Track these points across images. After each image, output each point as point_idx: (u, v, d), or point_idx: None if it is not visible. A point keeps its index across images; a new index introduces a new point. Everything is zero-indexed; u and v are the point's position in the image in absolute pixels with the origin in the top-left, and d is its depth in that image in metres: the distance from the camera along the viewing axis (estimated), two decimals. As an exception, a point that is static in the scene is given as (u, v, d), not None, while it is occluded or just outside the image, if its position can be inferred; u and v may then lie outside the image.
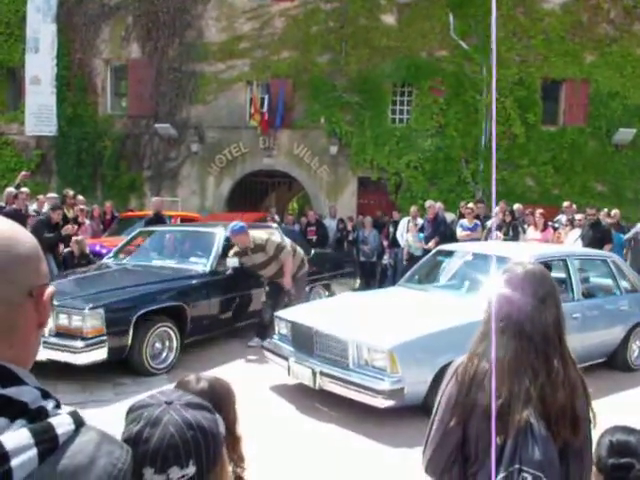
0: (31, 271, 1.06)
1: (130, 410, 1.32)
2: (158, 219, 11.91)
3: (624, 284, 8.25)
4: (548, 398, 1.98)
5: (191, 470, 1.23)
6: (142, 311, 7.15)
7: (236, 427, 2.09)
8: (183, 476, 1.22)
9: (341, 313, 6.84)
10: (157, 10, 18.85)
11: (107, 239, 12.51)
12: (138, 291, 7.43)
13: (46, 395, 1.00)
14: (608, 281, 8.37)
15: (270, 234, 8.67)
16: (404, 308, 6.97)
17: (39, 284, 1.06)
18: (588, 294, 7.88)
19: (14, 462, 0.89)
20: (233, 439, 2.05)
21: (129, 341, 7.06)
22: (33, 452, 0.91)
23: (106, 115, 19.79)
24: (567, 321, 6.16)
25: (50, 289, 1.09)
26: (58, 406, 1.00)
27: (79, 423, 0.99)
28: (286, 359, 6.55)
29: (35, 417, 0.94)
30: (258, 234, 8.54)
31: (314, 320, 6.50)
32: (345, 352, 5.96)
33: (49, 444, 0.93)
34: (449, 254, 8.39)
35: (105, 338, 6.74)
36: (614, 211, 13.67)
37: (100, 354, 6.75)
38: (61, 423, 0.96)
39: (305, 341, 6.46)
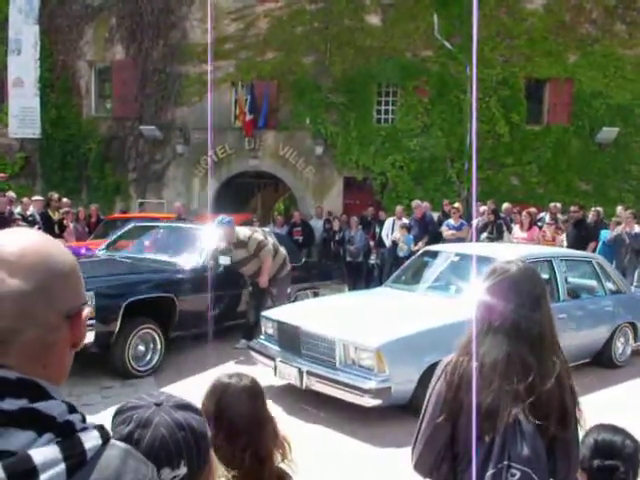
0: (70, 292, 1.04)
1: (119, 412, 1.32)
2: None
3: (608, 285, 8.33)
4: (537, 394, 1.99)
5: (182, 471, 1.24)
6: (132, 299, 7.13)
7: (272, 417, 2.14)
8: (175, 477, 1.23)
9: (328, 313, 6.85)
10: (141, 11, 18.76)
11: (93, 242, 12.45)
12: (129, 279, 7.42)
13: (72, 409, 0.99)
14: (593, 282, 8.44)
15: (254, 231, 8.65)
16: (391, 308, 7.00)
17: (77, 305, 1.05)
18: (573, 295, 7.93)
19: (43, 477, 0.88)
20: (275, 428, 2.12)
21: (117, 328, 7.02)
22: (61, 467, 0.90)
23: (90, 117, 19.68)
24: None
25: (87, 310, 1.08)
26: (84, 420, 1.00)
27: (106, 438, 0.99)
28: (273, 359, 6.54)
29: (62, 431, 0.94)
30: (242, 230, 8.58)
31: (300, 319, 6.51)
32: (332, 351, 5.97)
33: (77, 459, 0.93)
34: (435, 255, 8.43)
35: (93, 322, 6.64)
36: (597, 209, 13.80)
37: (87, 337, 6.64)
38: (89, 438, 0.96)
39: (291, 341, 6.46)
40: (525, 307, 2.06)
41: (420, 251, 9.00)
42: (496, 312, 2.08)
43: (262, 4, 18.61)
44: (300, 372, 6.08)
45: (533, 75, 18.21)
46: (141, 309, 7.43)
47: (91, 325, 6.65)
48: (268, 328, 6.98)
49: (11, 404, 0.92)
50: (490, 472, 1.94)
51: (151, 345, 7.56)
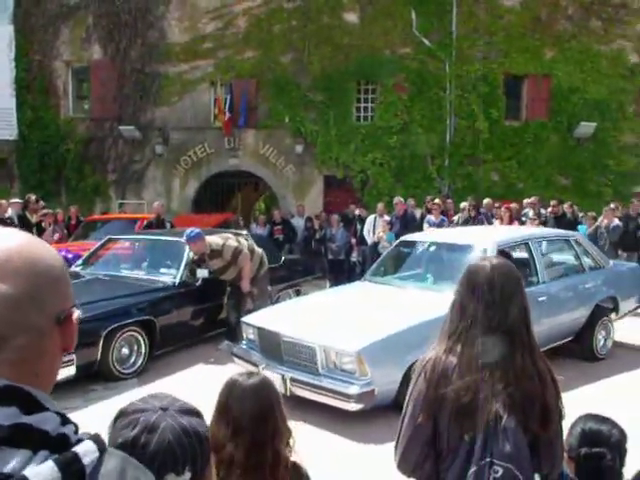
0: (60, 295, 1.01)
1: (122, 414, 1.31)
2: (159, 223, 12.62)
3: (588, 262, 8.38)
4: (517, 390, 1.99)
5: (187, 476, 1.24)
6: (112, 326, 7.06)
7: (284, 416, 2.16)
8: None
9: (307, 316, 6.74)
10: (118, 11, 18.63)
11: (73, 244, 12.35)
12: (108, 305, 7.29)
13: (65, 420, 0.95)
14: (572, 260, 8.48)
15: (226, 239, 8.49)
16: (370, 306, 6.94)
17: (67, 308, 1.02)
18: (553, 275, 7.95)
19: None
20: (286, 426, 2.14)
21: (98, 356, 6.94)
22: None
23: (68, 118, 19.52)
24: (533, 305, 6.29)
25: (77, 313, 1.05)
26: (77, 431, 0.96)
27: (102, 448, 0.96)
28: (256, 366, 6.49)
29: (57, 446, 0.90)
30: (215, 240, 8.34)
31: (280, 325, 6.42)
32: (313, 357, 5.92)
33: (76, 476, 0.89)
34: (413, 245, 8.40)
35: (73, 357, 6.44)
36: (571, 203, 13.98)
37: (67, 372, 6.44)
38: (86, 452, 0.92)
39: (273, 347, 6.40)
40: (498, 304, 2.06)
41: (397, 241, 8.96)
42: (470, 310, 2.08)
43: (240, 3, 18.56)
44: (283, 379, 6.02)
45: (511, 71, 18.33)
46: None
47: (70, 360, 6.41)
48: (249, 334, 6.91)
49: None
50: (473, 469, 1.94)
51: (135, 347, 7.49)
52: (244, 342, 7.07)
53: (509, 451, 1.93)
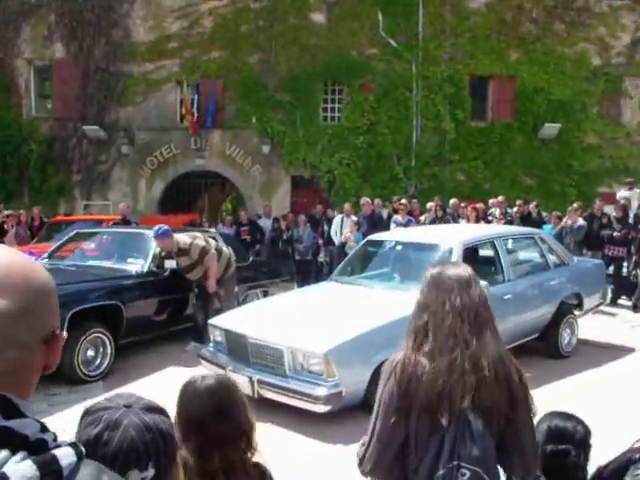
0: (50, 314, 1.04)
1: (87, 413, 1.31)
2: (125, 224, 12.50)
3: (552, 259, 8.47)
4: (483, 384, 1.99)
5: (150, 473, 1.24)
6: (77, 308, 6.91)
7: (249, 419, 2.11)
8: (142, 479, 1.22)
9: (274, 317, 6.69)
10: (81, 8, 18.37)
11: (36, 246, 12.13)
12: (73, 289, 7.18)
13: (44, 428, 0.98)
14: (537, 258, 8.56)
15: (194, 237, 8.46)
16: (336, 306, 6.91)
17: (54, 328, 1.05)
18: (519, 273, 8.01)
19: None
20: (251, 428, 2.09)
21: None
22: None
23: (31, 117, 19.20)
24: (499, 303, 6.31)
25: (63, 335, 1.07)
26: (56, 439, 0.98)
27: (80, 455, 0.98)
28: (223, 368, 6.43)
29: (35, 449, 0.92)
30: (182, 238, 8.31)
31: (247, 328, 6.36)
32: (281, 359, 5.88)
33: (54, 476, 0.91)
34: (379, 244, 8.39)
35: None
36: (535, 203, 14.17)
37: None
38: (64, 455, 0.94)
39: (240, 349, 6.34)
40: (457, 289, 2.10)
41: (363, 241, 8.96)
42: (433, 306, 2.11)
43: (206, 2, 18.46)
44: (251, 381, 5.96)
45: (477, 72, 18.53)
46: (90, 315, 7.26)
47: None
48: (216, 336, 6.84)
49: None
50: (440, 472, 1.93)
51: (101, 349, 7.39)
52: (211, 344, 7.00)
53: (477, 454, 1.92)
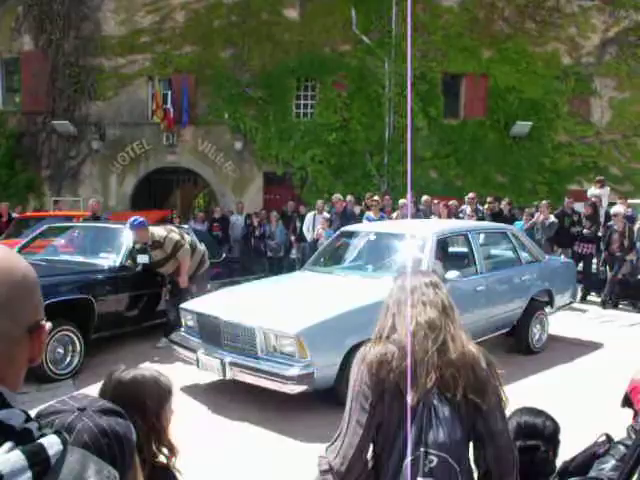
0: (32, 306, 1.05)
1: (39, 416, 1.26)
2: (95, 220, 12.26)
3: (524, 255, 8.54)
4: (449, 366, 2.00)
5: None
6: (47, 301, 6.79)
7: (160, 417, 2.07)
8: None
9: (246, 300, 6.73)
10: (50, 0, 18.12)
11: (4, 242, 11.93)
12: (43, 282, 7.03)
13: (29, 418, 0.98)
14: (509, 253, 8.63)
15: (169, 231, 8.44)
16: (309, 291, 6.95)
17: (37, 319, 1.05)
18: (491, 267, 8.07)
19: None
20: (157, 429, 2.06)
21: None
22: (28, 475, 0.89)
23: (-2, 111, 18.93)
24: (472, 294, 6.39)
25: (48, 325, 1.08)
26: (40, 428, 0.98)
27: (65, 443, 0.98)
28: (194, 351, 6.41)
29: (22, 439, 0.92)
30: (157, 231, 8.31)
31: (219, 310, 6.38)
32: (253, 340, 5.89)
33: (42, 465, 0.91)
34: (352, 235, 8.41)
35: None
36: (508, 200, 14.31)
37: None
38: (51, 444, 0.95)
39: (212, 332, 6.34)
40: (423, 287, 2.14)
41: (337, 232, 8.97)
42: (398, 303, 2.14)
43: (178, -4, 18.31)
44: (222, 363, 5.97)
45: (449, 70, 18.62)
46: (59, 311, 7.14)
47: None
48: (188, 320, 6.83)
49: None
50: (408, 459, 1.92)
51: (70, 347, 7.29)
52: (183, 329, 6.97)
53: (443, 440, 1.91)
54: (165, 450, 2.09)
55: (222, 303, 6.71)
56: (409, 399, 1.94)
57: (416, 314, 2.07)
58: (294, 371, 5.55)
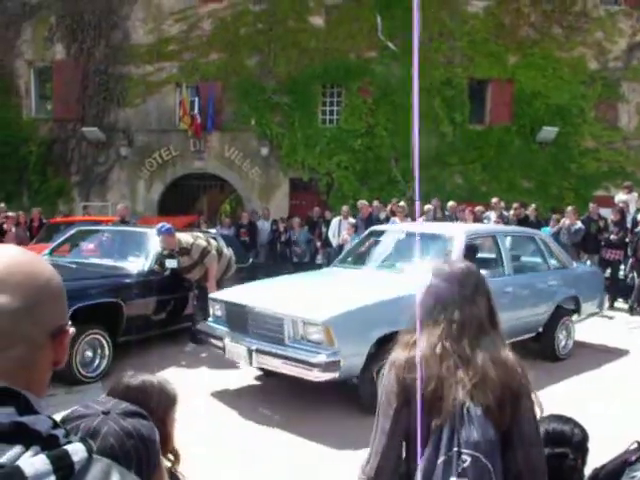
0: (56, 310, 1.05)
1: (65, 421, 1.29)
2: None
3: (552, 261, 8.52)
4: (483, 381, 1.98)
5: None
6: (78, 305, 6.91)
7: (166, 423, 2.08)
8: None
9: (274, 290, 6.81)
10: (81, 10, 18.42)
11: (35, 246, 12.14)
12: (73, 285, 7.16)
13: (56, 424, 0.98)
14: (537, 258, 8.61)
15: (196, 237, 8.52)
16: (338, 283, 7.02)
17: (61, 324, 1.05)
18: (519, 270, 8.06)
19: None
20: (162, 435, 2.00)
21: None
22: (52, 479, 0.89)
23: (30, 118, 19.25)
24: (499, 296, 6.27)
25: (71, 330, 1.08)
26: (67, 435, 0.98)
27: (90, 451, 0.98)
28: (220, 339, 6.45)
29: (48, 444, 0.93)
30: (184, 237, 8.39)
31: (248, 298, 6.43)
32: (280, 328, 5.91)
33: (66, 471, 0.92)
34: (382, 234, 8.44)
35: None
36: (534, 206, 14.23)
37: None
38: (76, 450, 0.95)
39: (239, 320, 6.38)
40: (458, 302, 2.09)
41: (366, 232, 9.00)
42: (433, 309, 2.11)
43: (205, 5, 18.51)
44: (249, 350, 5.99)
45: (475, 76, 18.57)
46: (89, 315, 7.24)
47: None
48: (216, 310, 6.89)
49: None
50: (441, 459, 1.91)
51: (99, 351, 7.40)
52: (211, 318, 7.03)
53: (476, 439, 1.90)
54: (170, 456, 2.10)
55: (250, 292, 6.79)
56: (441, 416, 1.98)
57: (449, 317, 2.07)
58: (321, 358, 5.55)
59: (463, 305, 2.10)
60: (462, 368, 2.00)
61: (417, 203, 12.54)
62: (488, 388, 1.98)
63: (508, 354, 2.10)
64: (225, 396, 6.66)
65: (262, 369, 6.60)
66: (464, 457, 1.90)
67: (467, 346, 2.04)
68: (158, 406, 2.04)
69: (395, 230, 8.48)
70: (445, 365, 2.00)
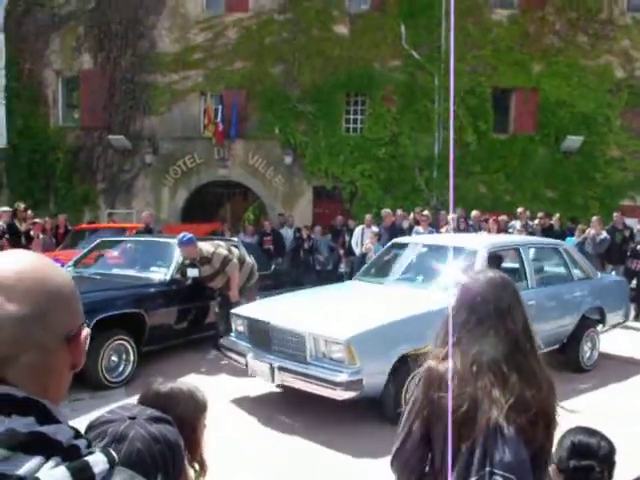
0: (68, 314, 1.04)
1: (91, 426, 1.30)
2: (148, 233, 12.60)
3: (576, 272, 8.45)
4: (518, 401, 1.95)
5: None
6: (101, 316, 7.01)
7: (196, 430, 2.08)
8: None
9: (297, 307, 6.79)
10: (109, 21, 18.65)
11: (61, 252, 12.31)
12: (97, 296, 7.29)
13: (78, 434, 0.98)
14: (561, 269, 8.54)
15: (217, 246, 8.55)
16: (360, 300, 6.99)
17: (76, 326, 1.05)
18: (542, 282, 8.00)
19: None
20: (191, 442, 2.03)
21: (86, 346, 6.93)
22: None
23: (58, 127, 19.49)
24: None
25: (86, 331, 1.08)
26: (89, 445, 0.98)
27: (112, 462, 0.97)
28: (243, 355, 6.46)
29: (69, 455, 0.92)
30: (205, 247, 8.41)
31: (270, 315, 6.44)
32: (302, 345, 5.92)
33: None
34: (404, 247, 8.42)
35: None
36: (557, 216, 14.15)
37: None
38: (97, 462, 0.94)
39: (262, 337, 6.40)
40: (493, 317, 2.05)
41: (388, 244, 8.99)
42: (466, 323, 2.06)
43: (231, 14, 18.66)
44: (271, 368, 6.02)
45: (499, 85, 18.51)
46: (114, 322, 7.37)
47: None
48: (238, 325, 6.91)
49: (18, 422, 0.91)
50: (472, 479, 1.88)
51: (124, 356, 7.50)
52: (233, 334, 7.05)
53: (509, 460, 1.85)
54: (196, 465, 2.08)
55: (272, 309, 6.80)
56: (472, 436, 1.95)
57: (484, 332, 2.02)
58: (343, 377, 5.56)
59: (499, 319, 2.06)
60: (498, 387, 1.96)
61: (451, 215, 12.53)
62: (523, 409, 1.95)
63: (543, 373, 2.08)
64: (245, 403, 6.70)
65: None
66: (496, 477, 1.86)
67: (503, 364, 2.00)
68: (187, 412, 2.04)
69: (417, 242, 8.45)
70: (480, 384, 1.96)
